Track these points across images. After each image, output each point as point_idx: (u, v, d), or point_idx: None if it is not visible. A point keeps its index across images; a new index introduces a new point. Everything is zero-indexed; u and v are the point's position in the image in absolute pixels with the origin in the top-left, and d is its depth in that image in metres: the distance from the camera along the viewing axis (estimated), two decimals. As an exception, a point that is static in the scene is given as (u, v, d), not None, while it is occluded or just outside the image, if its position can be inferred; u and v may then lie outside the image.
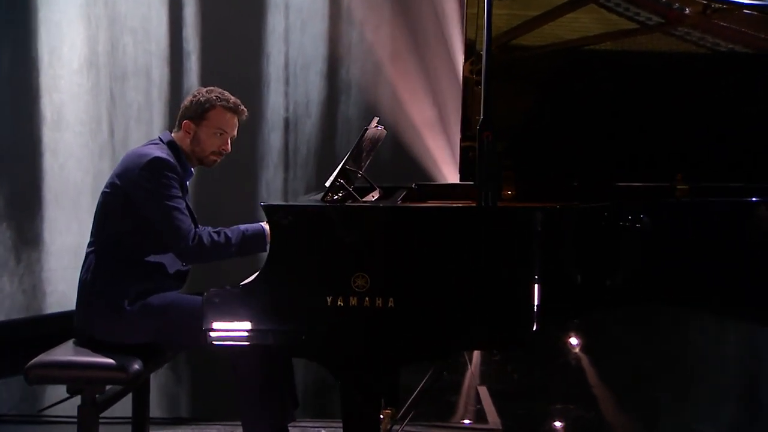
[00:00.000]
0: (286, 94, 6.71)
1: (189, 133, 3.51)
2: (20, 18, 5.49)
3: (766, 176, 3.67)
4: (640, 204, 3.09)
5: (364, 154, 3.63)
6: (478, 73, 3.64)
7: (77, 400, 3.22)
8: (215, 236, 3.34)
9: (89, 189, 5.80)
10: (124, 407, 3.61)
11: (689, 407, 4.68)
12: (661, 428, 4.48)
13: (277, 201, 6.39)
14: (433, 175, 6.71)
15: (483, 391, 4.72)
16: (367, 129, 3.34)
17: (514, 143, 3.87)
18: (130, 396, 3.60)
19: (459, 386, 4.81)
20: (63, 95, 5.62)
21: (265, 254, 3.48)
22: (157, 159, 3.34)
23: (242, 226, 3.41)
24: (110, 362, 3.23)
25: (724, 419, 4.54)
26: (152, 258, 3.39)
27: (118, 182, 3.41)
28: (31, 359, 3.23)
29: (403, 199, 3.72)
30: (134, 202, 3.35)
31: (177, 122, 3.55)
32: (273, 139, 6.70)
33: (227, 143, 3.56)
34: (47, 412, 4.48)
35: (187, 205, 3.45)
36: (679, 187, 3.75)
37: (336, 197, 3.20)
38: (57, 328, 5.36)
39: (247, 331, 2.86)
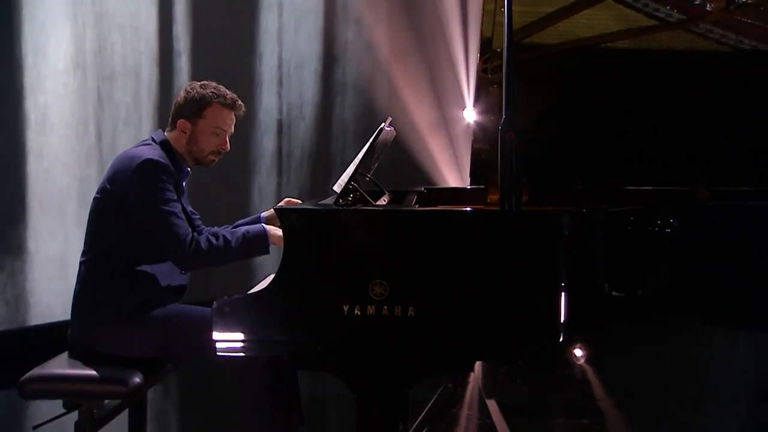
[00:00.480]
0: (280, 96, 6.70)
1: (185, 133, 3.45)
2: (3, 16, 5.43)
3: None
4: (669, 207, 3.06)
5: (375, 156, 3.58)
6: (494, 71, 3.62)
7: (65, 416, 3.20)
8: (213, 240, 3.28)
9: (75, 195, 5.74)
10: (117, 426, 3.55)
11: (702, 420, 4.66)
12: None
13: (271, 204, 6.52)
14: (433, 178, 6.71)
15: (492, 405, 4.68)
16: (381, 129, 3.29)
17: (526, 145, 3.84)
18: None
19: (465, 399, 4.77)
20: (48, 96, 5.56)
21: (265, 257, 3.48)
22: (149, 161, 3.27)
23: (242, 228, 3.35)
24: (109, 375, 3.17)
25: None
26: (149, 267, 3.33)
27: (108, 187, 3.35)
28: (17, 374, 3.17)
29: (417, 204, 3.67)
30: (127, 207, 3.29)
31: (170, 121, 3.48)
32: (266, 142, 6.68)
33: (226, 142, 3.50)
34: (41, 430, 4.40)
35: (183, 208, 3.39)
36: (700, 190, 3.73)
37: (346, 201, 3.15)
38: (42, 340, 5.40)
39: (257, 341, 2.82)
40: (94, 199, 3.41)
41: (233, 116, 3.49)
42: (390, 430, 2.79)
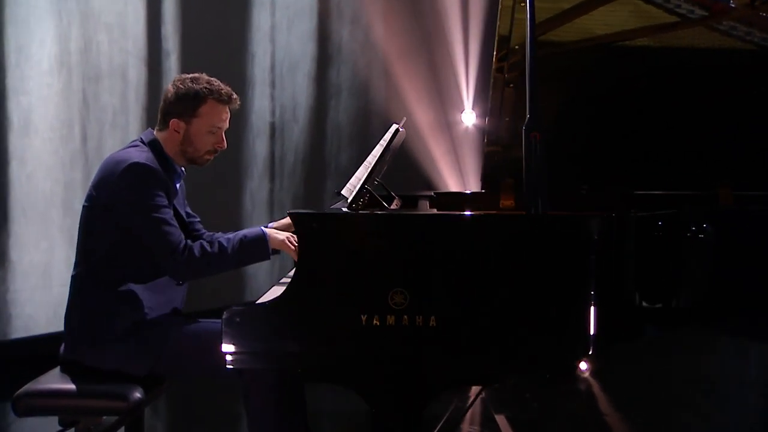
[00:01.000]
0: (272, 98, 6.66)
1: (178, 133, 3.32)
2: (-16, 14, 5.39)
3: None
4: (703, 212, 3.03)
5: (387, 158, 3.54)
6: (510, 70, 3.59)
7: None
8: (208, 247, 3.20)
9: (60, 201, 5.67)
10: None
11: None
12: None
13: (263, 211, 6.60)
14: (433, 182, 6.69)
15: (501, 420, 4.63)
16: (398, 130, 3.24)
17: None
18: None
19: (472, 414, 4.73)
20: (31, 98, 5.50)
21: (259, 265, 3.43)
22: (135, 165, 3.19)
23: (240, 232, 3.27)
24: (109, 390, 3.12)
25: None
26: (144, 278, 3.26)
27: (95, 194, 3.27)
28: (4, 389, 3.12)
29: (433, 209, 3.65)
30: (115, 215, 3.21)
31: (161, 119, 3.35)
32: (258, 146, 6.64)
33: (222, 140, 3.38)
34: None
35: (177, 213, 3.32)
36: (722, 193, 3.70)
37: (359, 206, 3.11)
38: (27, 354, 5.30)
39: (269, 353, 2.78)
40: (83, 207, 3.33)
41: (228, 111, 3.38)
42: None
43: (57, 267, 5.63)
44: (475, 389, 4.75)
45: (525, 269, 2.74)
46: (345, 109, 7.00)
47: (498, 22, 3.48)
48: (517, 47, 3.53)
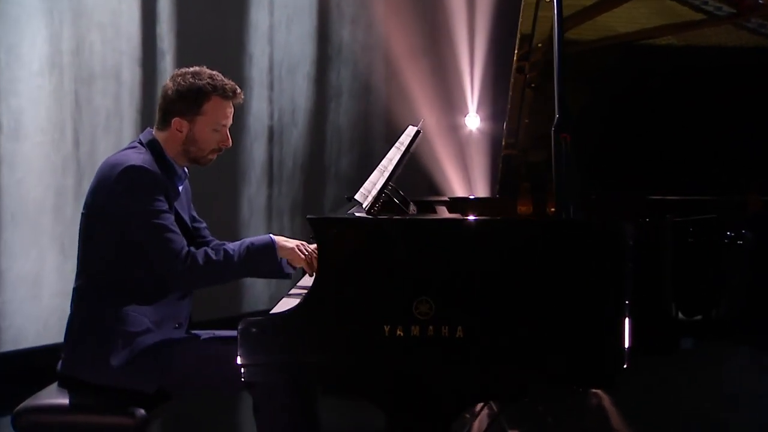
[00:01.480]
0: (271, 100, 6.62)
1: (181, 132, 3.24)
2: (-28, 13, 5.33)
3: None
4: (742, 218, 3.00)
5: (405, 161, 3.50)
6: (531, 69, 3.60)
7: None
8: (212, 255, 3.14)
9: (51, 208, 5.61)
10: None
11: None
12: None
13: (261, 218, 6.60)
14: (441, 187, 6.68)
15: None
16: (419, 132, 3.20)
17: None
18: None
19: (480, 426, 4.69)
20: (21, 100, 5.44)
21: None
22: (132, 168, 3.13)
23: (246, 240, 3.20)
24: (115, 406, 3.10)
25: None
26: (149, 290, 3.20)
27: (92, 200, 3.23)
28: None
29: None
30: (113, 222, 3.16)
31: (160, 118, 3.27)
32: (256, 150, 6.60)
33: (227, 138, 3.31)
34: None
35: (181, 218, 3.26)
36: (751, 198, 3.68)
37: (375, 210, 3.07)
38: (17, 368, 5.28)
39: (287, 365, 2.77)
40: (81, 214, 3.28)
41: (232, 107, 3.31)
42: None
43: (47, 277, 5.58)
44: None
45: (557, 277, 2.72)
46: (346, 111, 6.97)
47: (520, 20, 3.47)
48: (539, 45, 3.52)
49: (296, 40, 6.70)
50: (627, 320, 2.70)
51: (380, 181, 3.27)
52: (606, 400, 5.32)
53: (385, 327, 2.70)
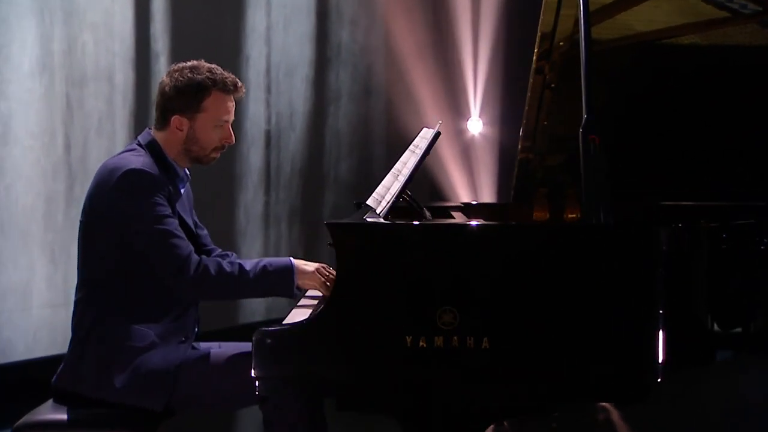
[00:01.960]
0: (268, 104, 6.58)
1: (181, 131, 3.17)
2: (-41, 12, 5.27)
3: None
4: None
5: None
6: (551, 70, 3.59)
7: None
8: (227, 267, 3.08)
9: (41, 215, 5.54)
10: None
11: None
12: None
13: (258, 226, 6.56)
14: (446, 193, 6.67)
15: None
16: (439, 134, 3.16)
17: (573, 155, 3.77)
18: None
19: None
20: (11, 103, 5.37)
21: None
22: (132, 172, 3.07)
23: (264, 260, 3.14)
24: (119, 421, 3.07)
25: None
26: (154, 302, 3.14)
27: (90, 207, 3.17)
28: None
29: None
30: (114, 230, 3.09)
31: (159, 117, 3.20)
32: (252, 155, 6.56)
33: (230, 134, 3.24)
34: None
35: (183, 221, 3.20)
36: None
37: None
38: (6, 382, 5.22)
39: (303, 378, 2.75)
40: (79, 222, 3.22)
41: (234, 101, 3.24)
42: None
43: (37, 287, 5.52)
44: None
45: (587, 285, 2.70)
46: (345, 115, 6.95)
47: (541, 17, 3.45)
48: (561, 43, 3.50)
49: (294, 42, 6.69)
50: (661, 330, 2.68)
51: (395, 185, 3.22)
52: (614, 414, 5.29)
53: (407, 338, 2.67)
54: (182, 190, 3.28)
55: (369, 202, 3.44)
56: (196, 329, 3.30)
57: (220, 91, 3.18)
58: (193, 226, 3.34)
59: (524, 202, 3.91)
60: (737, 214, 3.59)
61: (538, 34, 3.49)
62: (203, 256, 3.13)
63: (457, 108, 6.94)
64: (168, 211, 3.10)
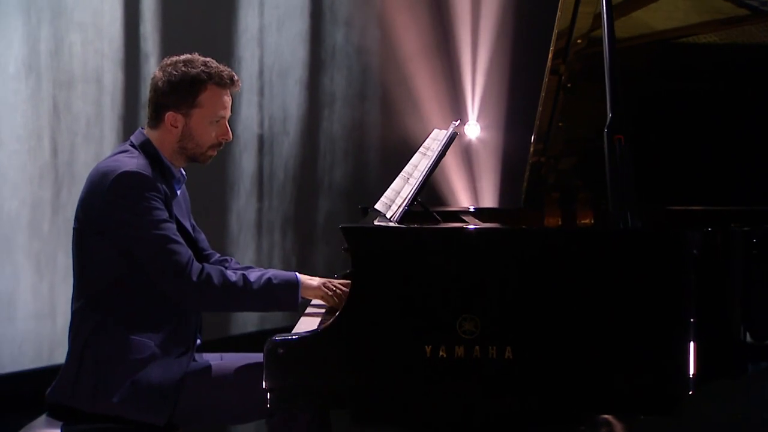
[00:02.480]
0: (261, 107, 6.55)
1: (176, 128, 3.10)
2: (-57, 10, 5.24)
3: None
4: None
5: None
6: (568, 69, 3.53)
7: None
8: (231, 277, 3.03)
9: (26, 222, 5.49)
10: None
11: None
12: None
13: (250, 233, 6.53)
14: (446, 198, 6.67)
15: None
16: (455, 134, 3.11)
17: (588, 158, 3.75)
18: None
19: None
20: (-5, 105, 5.38)
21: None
22: (126, 175, 2.99)
23: (269, 272, 3.10)
24: None
25: None
26: (154, 312, 3.08)
27: (82, 214, 3.09)
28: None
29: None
30: (109, 237, 3.03)
31: (152, 114, 3.14)
32: (245, 161, 6.53)
33: (227, 130, 3.17)
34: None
35: (181, 225, 3.13)
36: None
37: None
38: None
39: (317, 390, 2.70)
40: (73, 230, 3.14)
41: (230, 96, 3.17)
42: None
43: (22, 297, 5.47)
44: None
45: (615, 292, 2.67)
46: (340, 119, 6.92)
47: (558, 14, 3.40)
48: (579, 41, 3.46)
49: (287, 43, 6.67)
50: (693, 339, 2.66)
51: (405, 188, 3.17)
52: (617, 427, 5.23)
53: (426, 347, 2.64)
54: (179, 192, 3.21)
55: (378, 206, 3.39)
56: (198, 340, 3.23)
57: (216, 85, 3.10)
58: (191, 230, 3.27)
59: (535, 207, 3.87)
60: (763, 218, 3.59)
61: (555, 31, 3.44)
62: (205, 264, 3.08)
63: (454, 112, 6.92)
64: (165, 215, 3.03)
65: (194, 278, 2.97)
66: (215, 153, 3.20)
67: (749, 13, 3.58)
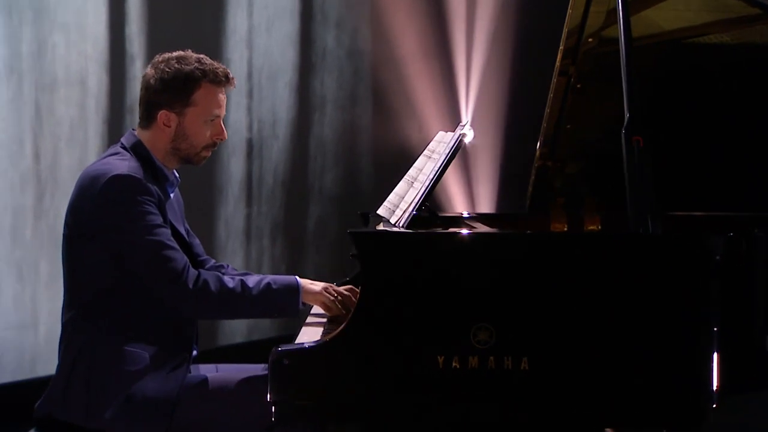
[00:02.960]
0: (249, 110, 6.52)
1: (169, 128, 3.07)
2: None
3: None
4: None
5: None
6: (578, 70, 3.51)
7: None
8: (229, 282, 3.00)
9: (7, 229, 5.44)
10: None
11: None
12: None
13: (239, 240, 6.50)
14: (441, 204, 6.62)
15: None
16: (464, 135, 3.08)
17: (596, 162, 3.75)
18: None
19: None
20: (-25, 109, 5.35)
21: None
22: (116, 178, 2.96)
23: (268, 277, 3.07)
24: None
25: None
26: (147, 321, 3.04)
27: (72, 220, 3.06)
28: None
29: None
30: (100, 244, 2.99)
31: (143, 113, 3.11)
32: (233, 165, 6.50)
33: (222, 130, 3.16)
34: None
35: (175, 230, 3.10)
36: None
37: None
38: None
39: (323, 403, 2.67)
40: (62, 236, 3.11)
41: (225, 94, 3.15)
42: None
43: (3, 306, 5.41)
44: None
45: (635, 300, 2.65)
46: (330, 123, 6.89)
47: (569, 11, 3.39)
48: (590, 40, 3.45)
49: (277, 45, 6.65)
50: (717, 350, 2.64)
51: (411, 193, 3.13)
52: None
53: (439, 358, 2.62)
54: (172, 195, 3.19)
55: (380, 211, 3.37)
56: (194, 351, 3.19)
57: (211, 82, 3.08)
58: (185, 235, 3.25)
59: (540, 212, 3.84)
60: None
61: (564, 30, 3.43)
62: (201, 270, 3.05)
63: (449, 115, 6.92)
64: (159, 219, 3.00)
65: (190, 285, 2.94)
66: (209, 153, 3.18)
67: (761, 12, 3.56)
